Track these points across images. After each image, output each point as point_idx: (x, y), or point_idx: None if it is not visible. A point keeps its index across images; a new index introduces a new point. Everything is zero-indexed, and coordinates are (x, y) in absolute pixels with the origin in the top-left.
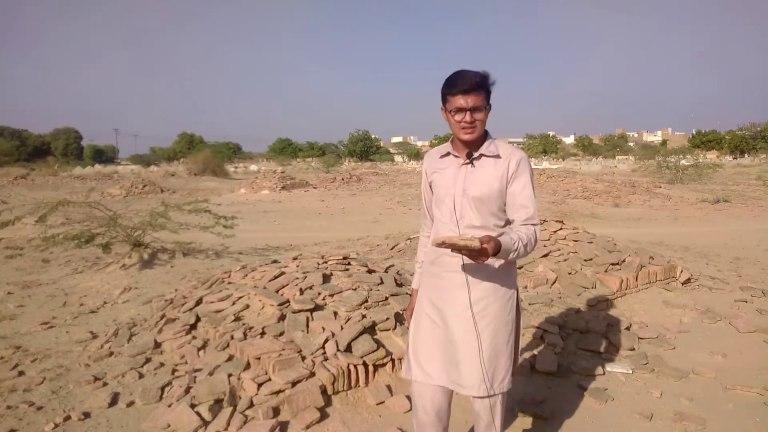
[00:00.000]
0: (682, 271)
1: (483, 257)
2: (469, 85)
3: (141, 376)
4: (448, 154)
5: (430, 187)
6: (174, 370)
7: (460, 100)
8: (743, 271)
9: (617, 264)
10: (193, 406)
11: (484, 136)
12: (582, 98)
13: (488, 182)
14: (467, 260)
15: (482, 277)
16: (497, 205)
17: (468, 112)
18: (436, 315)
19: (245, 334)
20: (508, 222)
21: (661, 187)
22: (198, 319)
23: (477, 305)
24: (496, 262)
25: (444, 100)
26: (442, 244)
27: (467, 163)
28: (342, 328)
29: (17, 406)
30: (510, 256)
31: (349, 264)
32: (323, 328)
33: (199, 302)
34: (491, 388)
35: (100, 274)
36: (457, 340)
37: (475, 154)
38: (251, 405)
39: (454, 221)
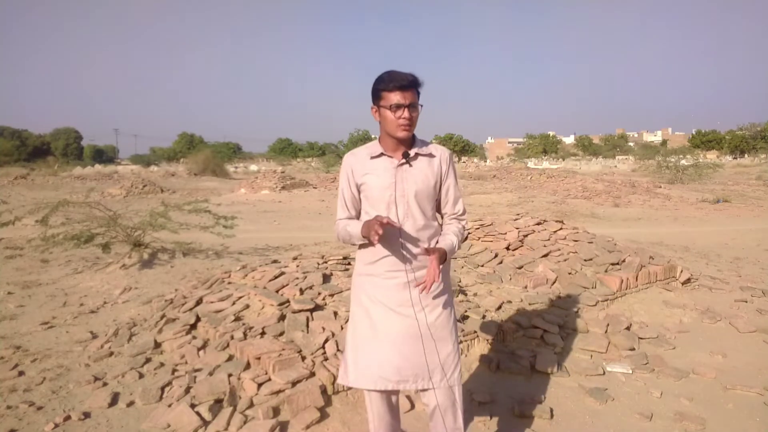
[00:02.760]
0: (682, 271)
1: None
2: (406, 82)
3: (141, 376)
4: (380, 155)
5: (358, 188)
6: (174, 370)
7: (398, 96)
8: (743, 271)
9: (617, 264)
10: (193, 406)
11: (413, 136)
12: (582, 98)
13: (427, 181)
14: (409, 258)
15: (424, 275)
16: (434, 203)
17: (406, 109)
18: (379, 315)
19: (245, 334)
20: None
21: (661, 187)
22: (198, 319)
23: (424, 300)
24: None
25: (377, 97)
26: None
27: (404, 163)
28: (342, 328)
29: (17, 406)
30: (450, 256)
31: (349, 264)
32: (323, 328)
33: (199, 302)
34: (441, 380)
35: (100, 274)
36: (406, 338)
37: (412, 154)
38: (251, 405)
39: (396, 221)
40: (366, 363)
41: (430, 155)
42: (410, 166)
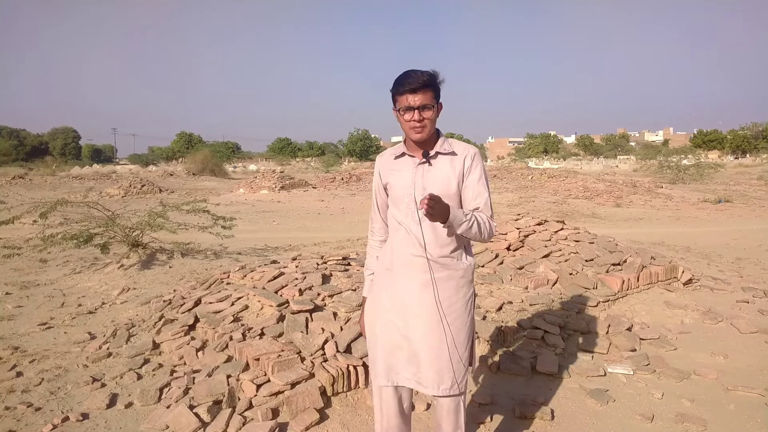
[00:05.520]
0: (683, 272)
1: (435, 212)
2: (416, 84)
3: (139, 377)
4: (403, 154)
5: (385, 189)
6: (173, 371)
7: (408, 99)
8: (745, 272)
9: (618, 264)
10: (191, 407)
11: (437, 134)
12: (583, 98)
13: (447, 180)
14: (433, 260)
15: (446, 278)
16: (456, 203)
17: (416, 111)
18: (396, 316)
19: (244, 335)
20: None
21: (662, 187)
22: (197, 319)
23: (443, 303)
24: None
25: (394, 101)
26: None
27: (424, 162)
28: (341, 329)
29: (15, 407)
30: (461, 226)
31: (348, 264)
32: (323, 329)
33: (197, 303)
34: (453, 387)
35: (98, 274)
36: (421, 340)
37: (432, 153)
38: (250, 406)
39: (416, 220)
40: (381, 364)
41: (453, 154)
42: (430, 165)
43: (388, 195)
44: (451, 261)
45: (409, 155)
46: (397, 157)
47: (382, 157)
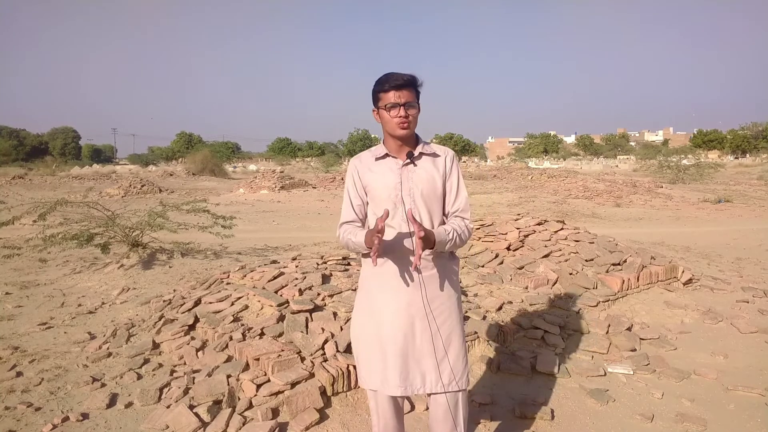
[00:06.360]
0: (683, 272)
1: (424, 246)
2: (401, 81)
3: (139, 377)
4: (385, 156)
5: (365, 191)
6: (173, 371)
7: (393, 96)
8: (745, 272)
9: (618, 264)
10: (191, 407)
11: (416, 137)
12: (583, 98)
13: (433, 179)
14: (423, 258)
15: (434, 277)
16: (441, 205)
17: (402, 107)
18: (387, 317)
19: (244, 335)
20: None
21: (662, 187)
22: (197, 319)
23: (432, 303)
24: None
25: (376, 100)
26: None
27: (408, 163)
28: (341, 329)
29: (15, 407)
30: (447, 246)
31: (348, 264)
32: (323, 329)
33: (197, 303)
34: (450, 384)
35: (98, 274)
36: (414, 340)
37: (416, 153)
38: (250, 406)
39: (405, 219)
40: (374, 367)
41: (434, 155)
42: (415, 165)
43: (367, 195)
44: (439, 260)
45: (392, 156)
46: (378, 159)
47: (359, 159)
